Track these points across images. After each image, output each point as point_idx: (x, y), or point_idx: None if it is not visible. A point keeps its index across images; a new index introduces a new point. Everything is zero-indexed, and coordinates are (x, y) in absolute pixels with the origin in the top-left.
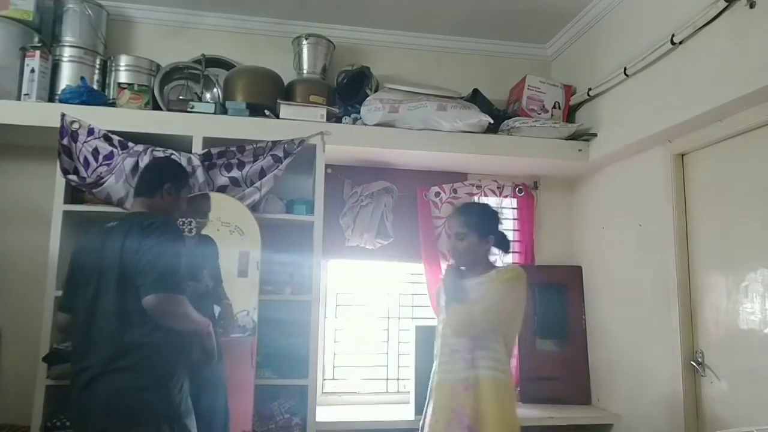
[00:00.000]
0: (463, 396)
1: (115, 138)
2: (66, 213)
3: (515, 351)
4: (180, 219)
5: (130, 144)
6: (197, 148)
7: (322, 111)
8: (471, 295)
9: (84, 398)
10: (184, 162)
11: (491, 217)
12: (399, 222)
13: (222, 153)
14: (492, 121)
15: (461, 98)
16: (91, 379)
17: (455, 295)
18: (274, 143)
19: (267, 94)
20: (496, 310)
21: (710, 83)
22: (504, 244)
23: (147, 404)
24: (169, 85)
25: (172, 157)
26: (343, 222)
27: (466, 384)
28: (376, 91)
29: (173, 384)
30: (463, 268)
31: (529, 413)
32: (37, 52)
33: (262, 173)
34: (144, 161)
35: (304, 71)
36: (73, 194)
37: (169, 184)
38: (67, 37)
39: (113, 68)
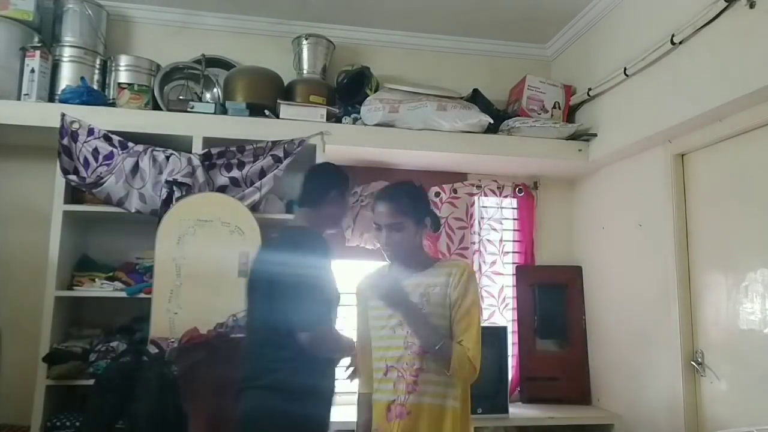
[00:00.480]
0: (396, 423)
1: (115, 138)
2: (66, 213)
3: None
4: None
5: (130, 144)
6: (197, 148)
7: (322, 111)
8: (414, 299)
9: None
10: (184, 162)
11: (422, 195)
12: None
13: (222, 153)
14: (492, 121)
15: (461, 98)
16: (239, 391)
17: (413, 315)
18: (274, 143)
19: (267, 94)
20: (469, 317)
21: (710, 83)
22: (437, 224)
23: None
24: (169, 85)
25: (329, 162)
26: (343, 222)
27: (402, 410)
28: (376, 91)
29: (314, 408)
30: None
31: (529, 413)
32: (37, 52)
33: (262, 173)
34: (144, 161)
35: (304, 71)
36: (73, 194)
37: (335, 192)
38: (67, 37)
39: (113, 68)
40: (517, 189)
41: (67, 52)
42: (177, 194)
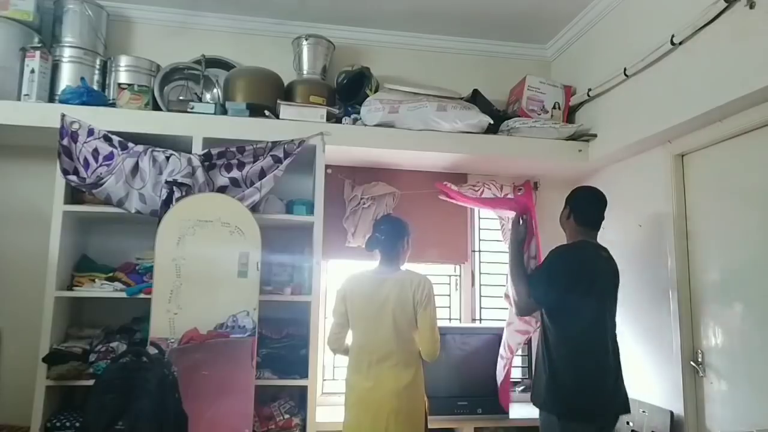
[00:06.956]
0: None
1: (115, 138)
2: (66, 213)
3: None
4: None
5: (130, 144)
6: (197, 148)
7: (322, 111)
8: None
9: None
10: (184, 162)
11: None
12: None
13: (222, 153)
14: (492, 122)
15: (461, 99)
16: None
17: None
18: (274, 143)
19: (267, 95)
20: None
21: (710, 83)
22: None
23: None
24: (169, 86)
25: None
26: (346, 224)
27: None
28: (376, 91)
29: None
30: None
31: (529, 413)
32: (37, 53)
33: (262, 174)
34: (144, 162)
35: (304, 72)
36: (73, 194)
37: None
38: (67, 38)
39: (113, 68)
40: (517, 189)
41: (67, 53)
42: (177, 194)
